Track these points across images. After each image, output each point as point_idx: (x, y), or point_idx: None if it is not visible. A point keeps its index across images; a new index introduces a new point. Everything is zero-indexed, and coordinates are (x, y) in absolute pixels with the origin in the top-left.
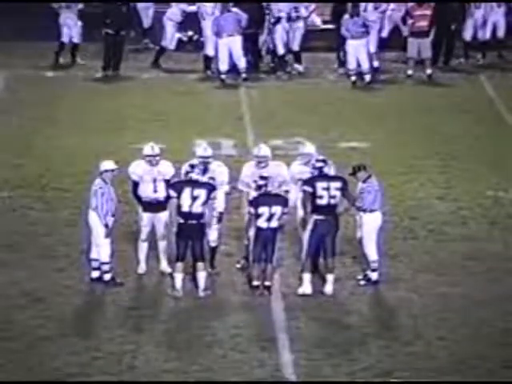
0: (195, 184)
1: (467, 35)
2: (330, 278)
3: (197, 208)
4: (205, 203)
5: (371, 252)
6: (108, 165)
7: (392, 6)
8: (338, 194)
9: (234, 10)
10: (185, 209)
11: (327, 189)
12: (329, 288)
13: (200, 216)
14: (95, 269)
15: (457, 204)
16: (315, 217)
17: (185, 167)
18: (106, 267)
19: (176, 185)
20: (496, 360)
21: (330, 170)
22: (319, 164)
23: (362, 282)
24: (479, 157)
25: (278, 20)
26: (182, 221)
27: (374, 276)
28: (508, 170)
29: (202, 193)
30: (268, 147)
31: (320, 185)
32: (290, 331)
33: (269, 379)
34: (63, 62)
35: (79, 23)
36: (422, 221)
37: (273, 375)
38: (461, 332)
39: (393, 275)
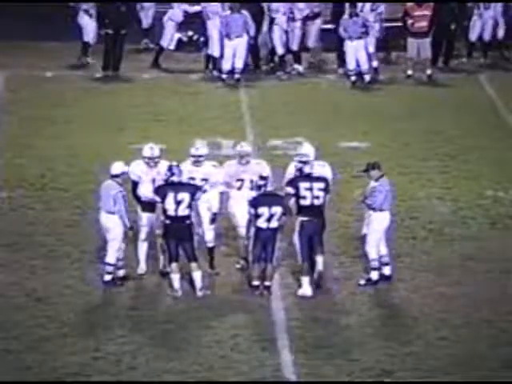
0: (178, 188)
1: (473, 36)
2: (319, 259)
3: (182, 211)
4: (189, 206)
5: (372, 250)
6: (121, 167)
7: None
8: (321, 194)
9: (244, 12)
10: (170, 213)
11: (310, 189)
12: (320, 267)
13: (186, 218)
14: (107, 272)
15: (457, 204)
16: (300, 218)
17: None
18: (110, 269)
19: (159, 189)
20: (496, 360)
21: (315, 171)
22: (299, 165)
23: (362, 282)
24: (479, 157)
25: (277, 20)
26: (168, 222)
27: (374, 275)
28: (508, 170)
29: (185, 196)
30: (249, 145)
31: (302, 185)
32: (290, 331)
33: (269, 379)
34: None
35: (94, 24)
36: (422, 221)
37: (273, 375)
38: (461, 332)
39: (393, 275)
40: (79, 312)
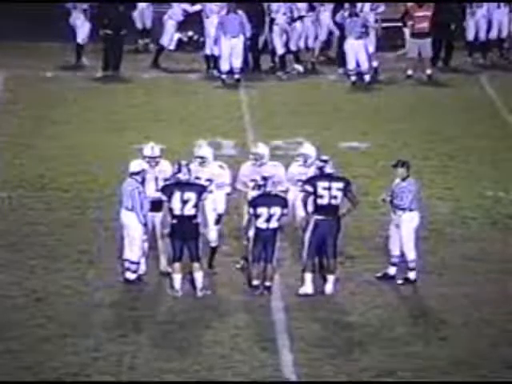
0: (185, 187)
1: (469, 35)
2: (330, 278)
3: (188, 211)
4: (196, 205)
5: (409, 251)
6: (139, 165)
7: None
8: (339, 194)
9: (240, 12)
10: (176, 212)
11: (328, 189)
12: (329, 288)
13: (193, 217)
14: (131, 270)
15: (457, 204)
16: (316, 217)
17: (174, 167)
18: (134, 267)
19: (166, 188)
20: (496, 360)
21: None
22: (320, 164)
23: (400, 281)
24: (479, 157)
25: (277, 20)
26: (174, 221)
27: (412, 275)
28: (508, 170)
29: (191, 196)
30: (266, 147)
31: (321, 184)
32: (290, 331)
33: (269, 379)
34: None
35: (87, 24)
36: (422, 221)
37: (273, 375)
38: (461, 332)
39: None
40: (79, 312)
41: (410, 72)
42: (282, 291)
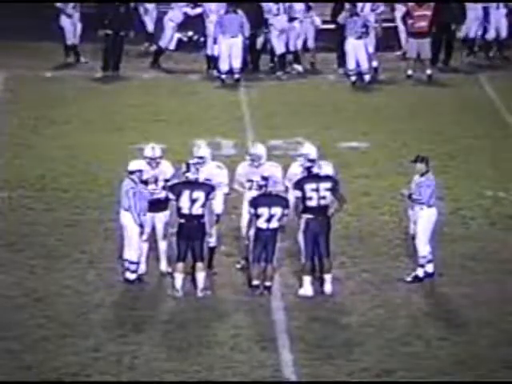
0: (194, 186)
1: (464, 34)
2: (327, 277)
3: (196, 210)
4: (204, 205)
5: (422, 247)
6: (137, 165)
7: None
8: (328, 194)
9: (239, 12)
10: (184, 211)
11: (316, 190)
12: (328, 287)
13: (200, 217)
14: (131, 270)
15: (457, 204)
16: (306, 216)
17: (183, 166)
18: (133, 267)
19: (174, 187)
20: (496, 360)
21: (322, 170)
22: (308, 164)
23: (409, 279)
24: (479, 157)
25: (271, 20)
26: (182, 221)
27: (420, 272)
28: (508, 170)
29: (200, 195)
30: (264, 147)
31: (308, 186)
32: (290, 331)
33: (269, 379)
34: (65, 62)
35: (78, 24)
36: None
37: (273, 375)
38: (461, 332)
39: (393, 275)
40: (79, 312)
41: (409, 72)
42: (282, 291)
